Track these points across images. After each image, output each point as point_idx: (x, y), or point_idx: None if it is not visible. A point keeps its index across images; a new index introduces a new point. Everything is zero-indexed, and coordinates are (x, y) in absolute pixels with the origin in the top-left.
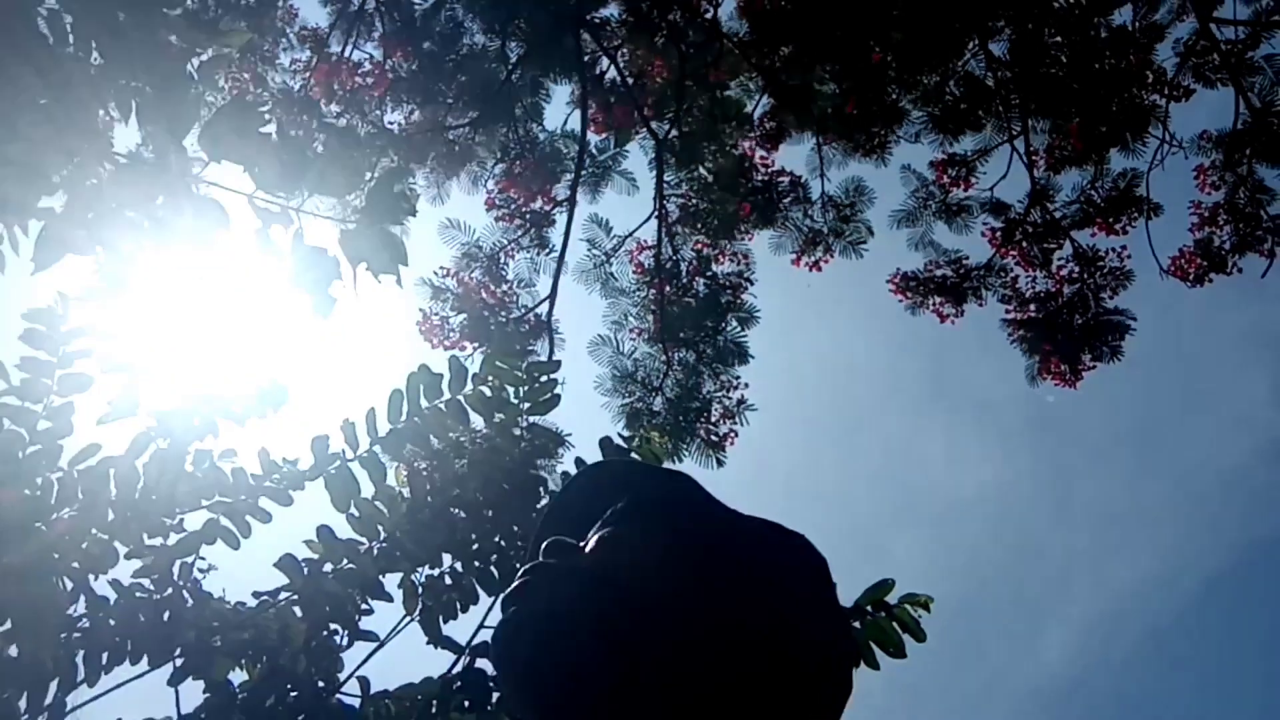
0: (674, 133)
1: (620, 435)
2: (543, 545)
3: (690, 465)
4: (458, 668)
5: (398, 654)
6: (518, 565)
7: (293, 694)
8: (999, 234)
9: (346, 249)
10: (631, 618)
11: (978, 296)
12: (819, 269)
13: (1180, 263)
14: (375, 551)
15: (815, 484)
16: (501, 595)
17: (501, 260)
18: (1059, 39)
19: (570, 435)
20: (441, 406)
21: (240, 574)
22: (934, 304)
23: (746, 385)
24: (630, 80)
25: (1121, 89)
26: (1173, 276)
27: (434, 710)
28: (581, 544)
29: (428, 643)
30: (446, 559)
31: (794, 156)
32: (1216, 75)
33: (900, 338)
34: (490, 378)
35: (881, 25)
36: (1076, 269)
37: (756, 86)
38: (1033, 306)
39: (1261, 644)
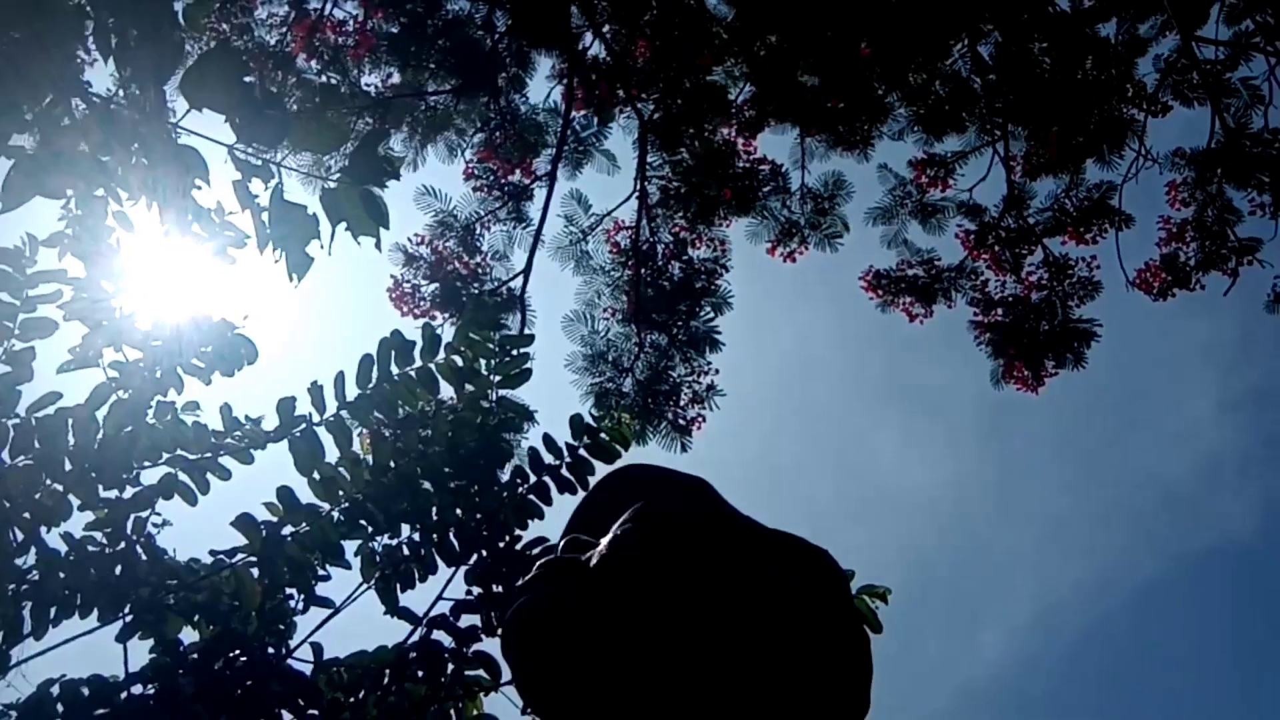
0: (658, 114)
1: (590, 414)
2: (562, 543)
3: (656, 448)
4: (414, 639)
5: (354, 623)
6: (483, 536)
7: (243, 658)
8: (972, 236)
9: (328, 208)
10: (631, 611)
11: (947, 298)
12: (793, 260)
13: (1145, 276)
14: (336, 517)
15: (770, 472)
16: (517, 585)
17: (477, 231)
18: (1045, 46)
19: (538, 411)
20: (412, 374)
21: (198, 533)
22: (904, 303)
23: (717, 371)
24: (615, 58)
25: (1102, 101)
26: (1137, 289)
27: (387, 679)
28: (599, 541)
29: (385, 613)
30: (406, 528)
31: (778, 146)
32: (1195, 94)
33: (867, 334)
34: (463, 348)
35: (871, 20)
36: (1046, 276)
37: (741, 73)
38: (1001, 310)
39: (1187, 653)
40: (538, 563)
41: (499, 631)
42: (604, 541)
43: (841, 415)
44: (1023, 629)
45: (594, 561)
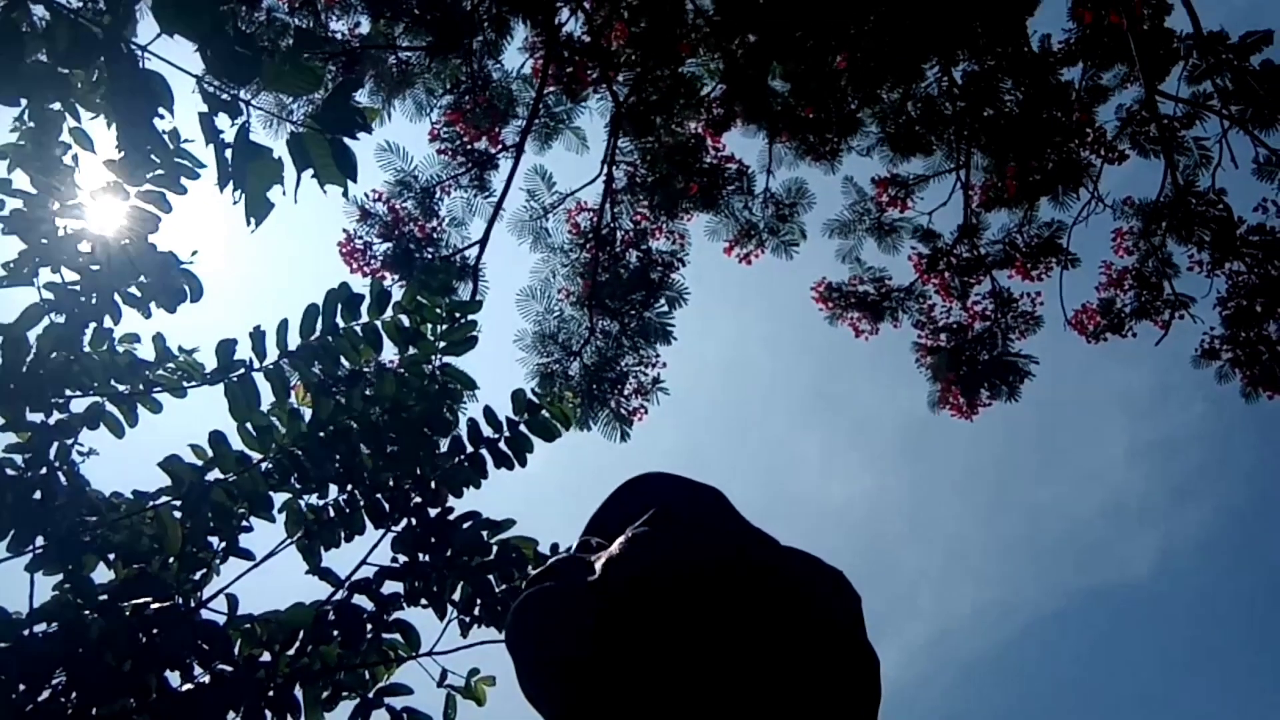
0: (633, 99)
1: (534, 392)
2: (575, 545)
3: (596, 435)
4: (334, 601)
5: (273, 579)
6: (414, 503)
7: (154, 603)
8: (925, 260)
9: (294, 154)
10: (641, 606)
11: (894, 317)
12: (749, 262)
13: (1082, 317)
14: (266, 468)
15: (689, 466)
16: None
17: (437, 195)
18: (1014, 83)
19: (479, 389)
20: (357, 329)
21: (126, 476)
22: (852, 318)
23: (664, 365)
24: (592, 36)
25: (1062, 142)
26: (1073, 328)
27: (301, 639)
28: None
29: (307, 572)
30: (335, 488)
31: (746, 147)
32: (1151, 146)
33: (806, 343)
34: (411, 309)
35: (849, 32)
36: (991, 307)
37: (716, 69)
38: (944, 336)
39: (1076, 686)
40: (549, 560)
41: (507, 620)
42: (617, 542)
43: (770, 419)
44: (920, 650)
45: (602, 560)
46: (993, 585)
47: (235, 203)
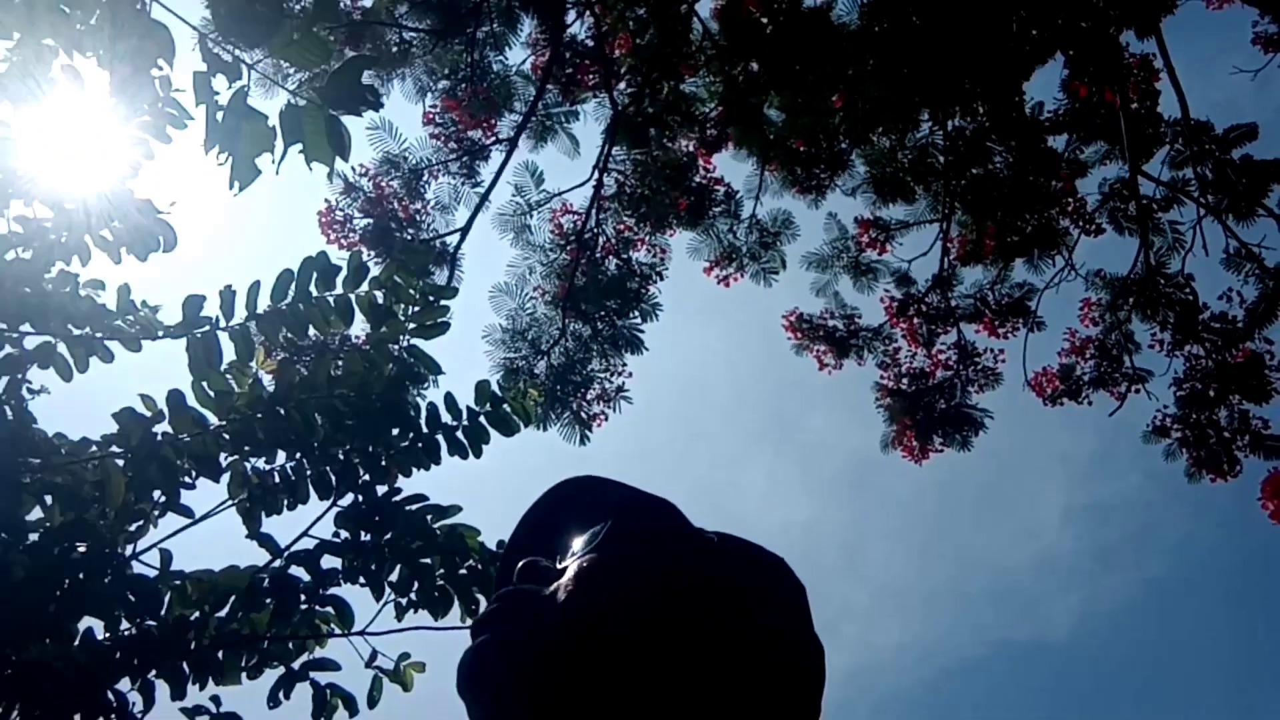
0: (631, 109)
1: (498, 384)
2: (518, 566)
3: (553, 436)
4: (271, 569)
5: (209, 540)
6: (362, 479)
7: (82, 547)
8: (896, 304)
9: (286, 125)
10: (606, 653)
11: (860, 356)
12: (728, 284)
13: (1042, 380)
14: (220, 430)
15: (633, 475)
16: (472, 622)
17: (424, 178)
18: (1004, 144)
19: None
20: (329, 300)
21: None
22: (818, 350)
23: (630, 375)
24: (596, 42)
25: (1044, 208)
26: (1032, 389)
27: (232, 603)
28: (560, 566)
29: (247, 537)
30: (283, 454)
31: (735, 171)
32: (1129, 224)
33: (766, 368)
34: (386, 287)
35: (847, 72)
36: (955, 358)
37: (715, 91)
38: (906, 380)
39: None
40: (497, 592)
41: (459, 667)
42: (569, 573)
43: (720, 436)
44: (837, 679)
45: (559, 597)
46: (916, 626)
47: (220, 164)
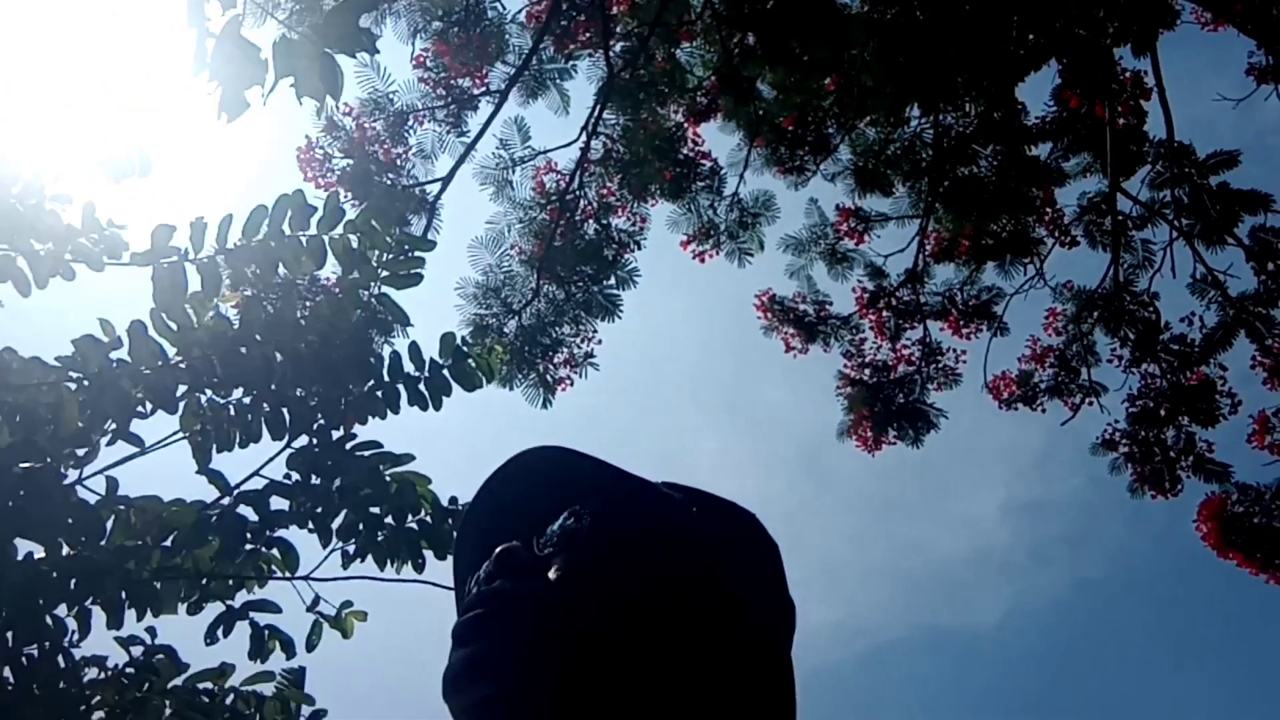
0: (626, 73)
1: (464, 340)
2: (497, 551)
3: (517, 396)
4: (218, 507)
5: (156, 472)
6: (317, 422)
7: (25, 465)
8: (867, 295)
9: (278, 60)
10: (606, 669)
11: (826, 342)
12: (703, 260)
13: (999, 384)
14: (179, 363)
15: (584, 437)
16: (454, 623)
17: (409, 123)
18: (992, 147)
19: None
20: (303, 239)
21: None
22: (787, 333)
23: (600, 341)
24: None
25: (1022, 215)
26: (989, 392)
27: (176, 537)
28: (541, 554)
29: (197, 472)
30: (239, 390)
31: (721, 146)
32: (1103, 238)
33: (736, 344)
34: (361, 231)
35: (843, 57)
36: (919, 354)
37: (710, 60)
38: (868, 371)
39: (901, 711)
40: (477, 591)
41: (444, 675)
42: (558, 573)
43: (678, 404)
44: None
45: (550, 600)
46: (848, 605)
47: (209, 94)
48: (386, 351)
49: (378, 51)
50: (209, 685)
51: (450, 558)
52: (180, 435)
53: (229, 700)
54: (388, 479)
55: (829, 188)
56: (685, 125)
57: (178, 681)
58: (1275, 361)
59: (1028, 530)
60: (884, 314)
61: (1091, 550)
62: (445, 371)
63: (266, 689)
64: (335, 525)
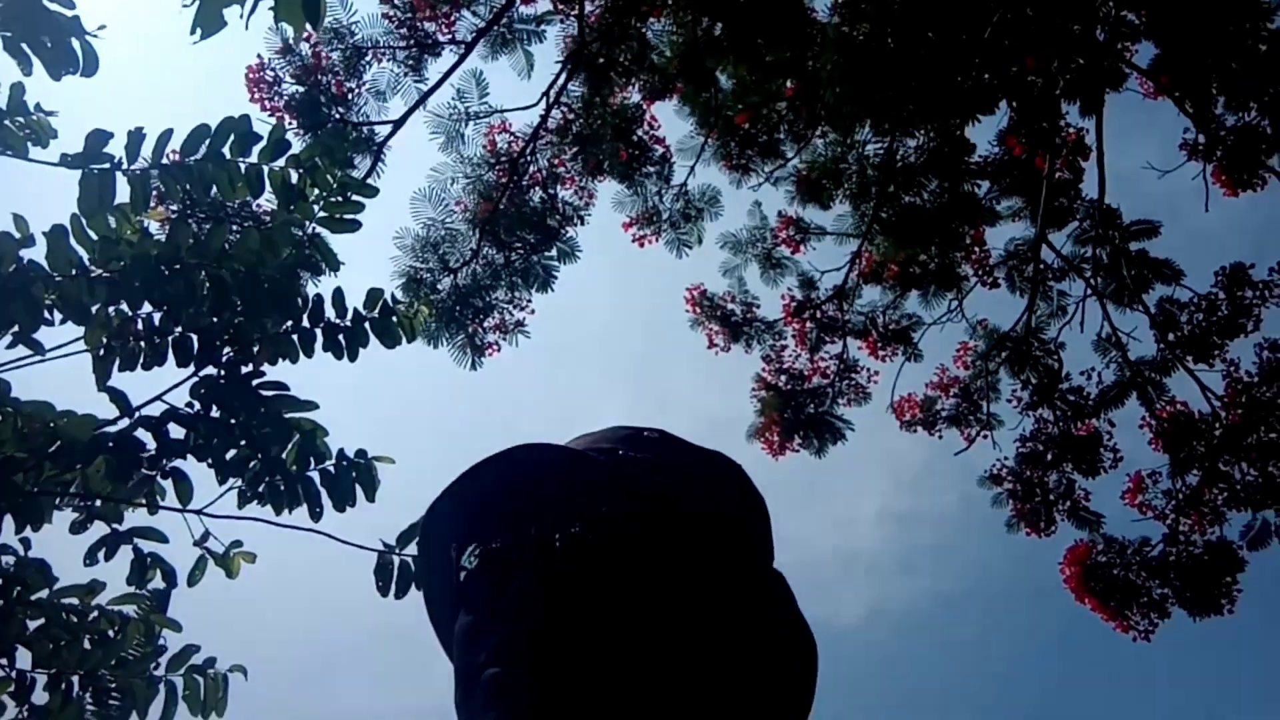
0: (597, 44)
1: (392, 296)
2: (482, 552)
3: (441, 356)
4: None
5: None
6: (226, 354)
7: None
8: (795, 304)
9: None
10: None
11: (749, 344)
12: (642, 244)
13: (904, 405)
14: (98, 277)
15: (478, 397)
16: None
17: (367, 58)
18: (937, 177)
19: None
20: (241, 166)
21: None
22: (712, 329)
23: (533, 311)
24: None
25: (952, 250)
26: (893, 412)
27: (70, 451)
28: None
29: (98, 389)
30: (149, 304)
31: (675, 130)
32: (1022, 284)
33: (656, 329)
34: (304, 167)
35: (804, 63)
36: (835, 368)
37: (677, 44)
38: (785, 378)
39: None
40: (492, 608)
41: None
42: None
43: (583, 374)
44: None
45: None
46: None
47: (186, 6)
48: (311, 293)
49: None
50: (75, 601)
51: (425, 534)
52: (83, 347)
53: (93, 618)
54: (289, 422)
55: (774, 193)
56: (644, 105)
57: (44, 594)
58: (1160, 426)
59: (899, 538)
60: (808, 325)
61: (955, 566)
62: (367, 324)
63: (133, 611)
64: (233, 460)
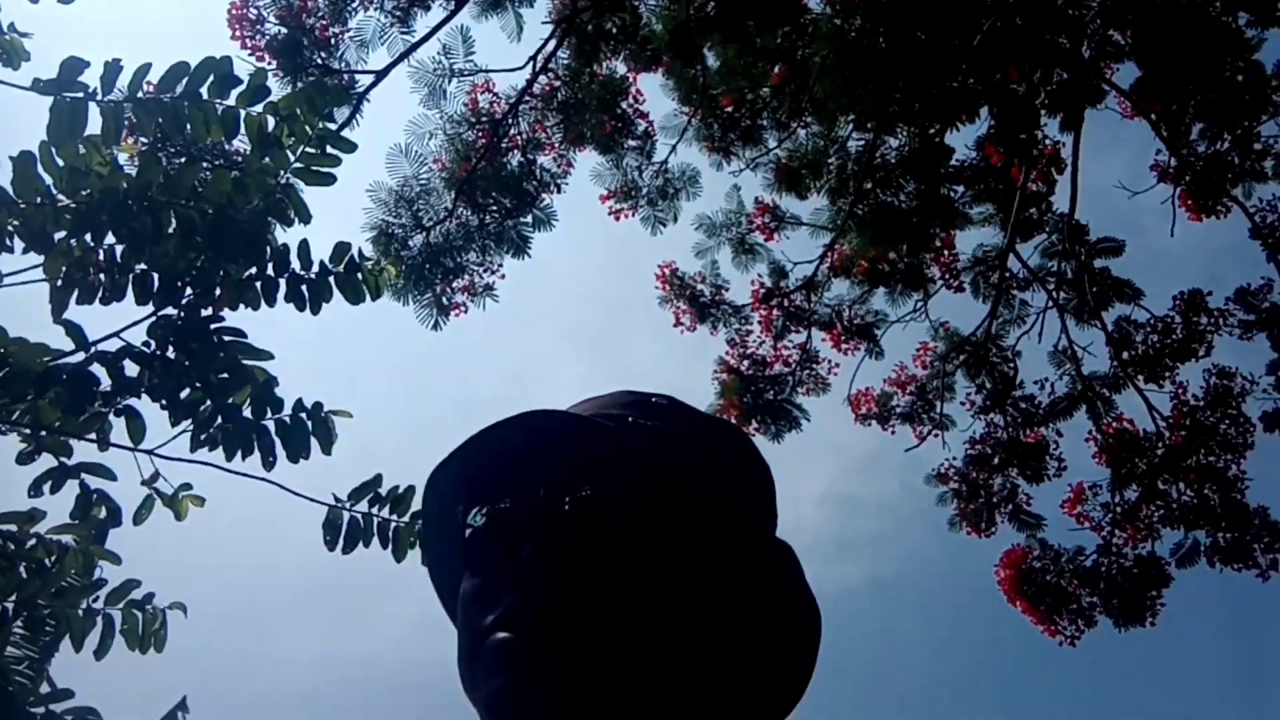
0: (589, 12)
1: (359, 251)
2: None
3: (408, 313)
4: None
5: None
6: (187, 296)
7: None
8: (763, 291)
9: None
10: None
11: (715, 326)
12: (618, 218)
13: (861, 399)
14: (65, 208)
15: (434, 353)
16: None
17: (355, 4)
18: (915, 178)
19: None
20: (218, 107)
21: None
22: (679, 308)
23: (504, 276)
24: None
25: (920, 250)
26: (850, 405)
27: (21, 380)
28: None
29: (55, 321)
30: (112, 236)
31: (660, 107)
32: (986, 291)
33: (625, 301)
34: (283, 115)
35: (794, 50)
36: (797, 357)
37: (669, 19)
38: (747, 363)
39: None
40: (503, 602)
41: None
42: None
43: (545, 339)
44: None
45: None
46: None
47: None
48: (278, 241)
49: None
50: (13, 528)
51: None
52: (42, 277)
53: (30, 545)
54: (245, 369)
55: (753, 179)
56: (630, 77)
57: None
58: (1106, 440)
59: (834, 519)
60: (775, 313)
61: (891, 553)
62: (332, 278)
63: (71, 540)
64: (186, 403)
